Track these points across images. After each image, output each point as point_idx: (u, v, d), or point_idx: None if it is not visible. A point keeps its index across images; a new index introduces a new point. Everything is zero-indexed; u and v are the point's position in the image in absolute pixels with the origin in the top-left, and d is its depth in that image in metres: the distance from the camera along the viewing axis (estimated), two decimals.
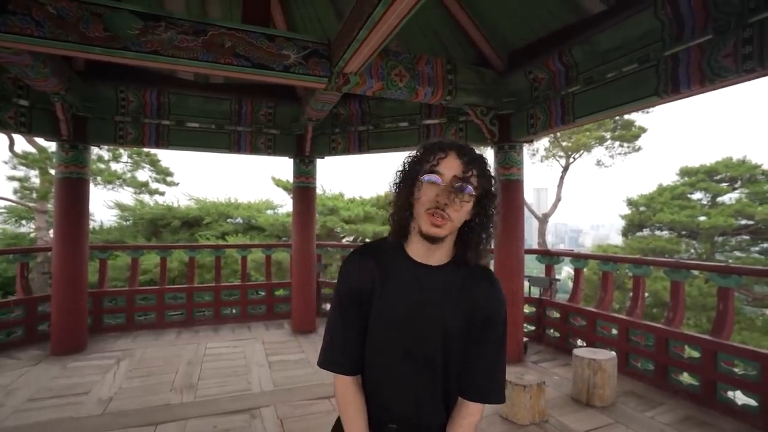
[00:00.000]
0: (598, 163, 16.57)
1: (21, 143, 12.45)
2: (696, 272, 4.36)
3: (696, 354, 3.66)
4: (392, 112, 5.59)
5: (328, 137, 5.91)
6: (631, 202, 14.82)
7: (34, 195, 12.29)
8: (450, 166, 0.99)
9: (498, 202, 1.08)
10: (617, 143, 15.57)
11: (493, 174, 1.07)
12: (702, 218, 12.48)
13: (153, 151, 13.11)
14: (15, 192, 12.57)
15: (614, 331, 4.38)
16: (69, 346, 4.74)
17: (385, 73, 3.94)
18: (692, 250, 12.83)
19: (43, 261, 9.61)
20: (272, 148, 5.82)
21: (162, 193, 13.76)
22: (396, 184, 1.07)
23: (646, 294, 10.05)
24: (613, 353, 3.70)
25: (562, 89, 3.95)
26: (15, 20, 2.96)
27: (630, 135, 14.83)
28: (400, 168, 1.07)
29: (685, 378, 3.75)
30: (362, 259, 1.10)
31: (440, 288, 1.05)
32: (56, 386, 3.82)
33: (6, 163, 12.46)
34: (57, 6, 3.02)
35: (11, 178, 12.42)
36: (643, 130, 14.91)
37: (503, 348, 1.09)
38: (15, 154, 12.26)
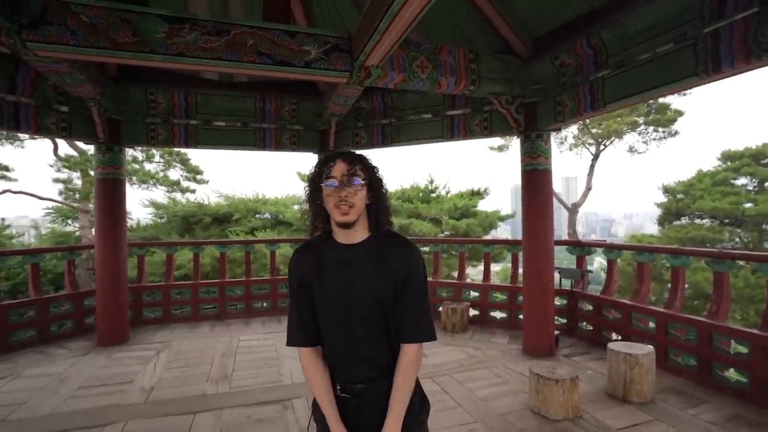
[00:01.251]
0: (631, 149, 15.90)
1: (63, 147, 13.14)
2: (742, 262, 4.12)
3: (744, 349, 3.47)
4: (415, 104, 5.54)
5: (352, 131, 5.92)
6: (667, 190, 14.15)
7: (77, 196, 12.98)
8: (339, 169, 1.28)
9: (384, 184, 1.38)
10: (651, 128, 14.86)
11: (374, 165, 1.37)
12: (748, 205, 11.77)
13: (183, 150, 13.57)
14: (60, 193, 13.33)
15: (651, 325, 4.21)
16: (113, 338, 5.01)
17: (406, 65, 3.89)
18: (737, 239, 12.14)
19: (87, 258, 10.18)
20: (296, 143, 5.89)
21: (193, 191, 14.23)
22: (307, 195, 1.37)
23: (686, 286, 9.60)
24: (651, 347, 3.55)
25: (590, 74, 3.79)
26: (52, 30, 3.10)
27: (665, 119, 14.12)
28: (307, 183, 1.37)
29: (732, 374, 3.56)
30: (303, 254, 1.39)
31: (365, 259, 1.31)
32: (103, 375, 4.05)
33: (51, 166, 13.21)
34: (89, 14, 3.14)
35: (56, 180, 13.16)
36: (679, 113, 14.17)
37: (425, 296, 1.35)
38: (59, 158, 12.97)
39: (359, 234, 1.34)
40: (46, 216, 14.74)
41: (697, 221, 13.02)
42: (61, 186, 13.16)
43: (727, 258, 3.81)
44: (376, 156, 1.53)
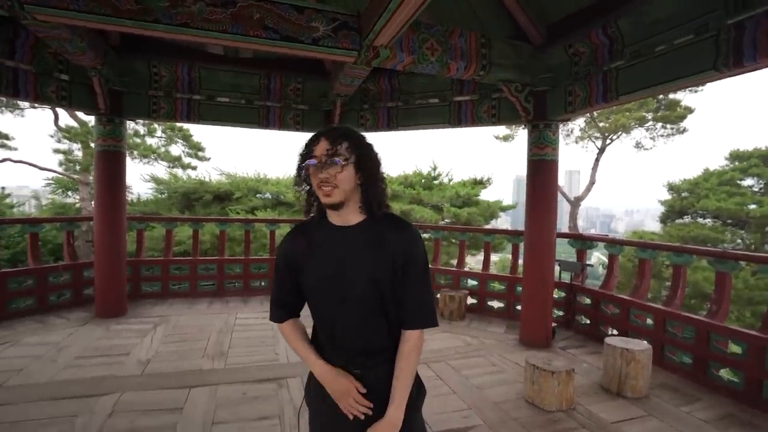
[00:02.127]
0: (638, 145, 15.72)
1: (64, 118, 13.01)
2: (743, 264, 4.09)
3: (738, 349, 3.47)
4: (423, 88, 5.43)
5: (357, 113, 5.83)
6: (672, 187, 14.05)
7: (77, 167, 12.90)
8: (321, 148, 1.21)
9: (378, 163, 1.29)
10: (660, 124, 14.66)
11: (367, 143, 1.28)
12: (752, 206, 11.69)
13: (185, 126, 13.43)
14: (60, 164, 13.24)
15: (649, 321, 4.21)
16: (111, 310, 5.02)
17: (416, 47, 3.79)
18: (739, 240, 12.11)
19: (87, 230, 10.18)
20: (300, 123, 5.80)
21: (194, 168, 14.17)
22: (296, 175, 1.30)
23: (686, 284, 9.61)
24: (647, 344, 3.55)
25: (605, 64, 3.69)
26: None
27: (675, 116, 13.93)
28: (298, 163, 1.29)
29: (726, 374, 3.57)
30: (293, 237, 1.34)
31: (360, 242, 1.26)
32: (101, 346, 4.07)
33: (51, 136, 13.10)
34: None
35: (56, 151, 13.06)
36: (689, 110, 13.96)
37: (426, 279, 1.29)
38: (59, 128, 12.85)
39: (353, 216, 1.28)
40: (47, 187, 14.69)
41: (700, 220, 12.96)
42: (61, 157, 13.08)
43: (731, 258, 3.78)
44: (379, 139, 1.36)
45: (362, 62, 3.75)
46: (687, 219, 13.35)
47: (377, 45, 3.57)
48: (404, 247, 1.25)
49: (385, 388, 1.28)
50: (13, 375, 3.37)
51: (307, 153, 1.24)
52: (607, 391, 3.44)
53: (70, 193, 14.14)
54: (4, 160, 13.43)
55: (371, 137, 1.34)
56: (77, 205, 13.19)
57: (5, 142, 13.21)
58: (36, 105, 11.31)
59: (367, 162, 1.25)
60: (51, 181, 14.37)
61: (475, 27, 4.47)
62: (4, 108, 12.43)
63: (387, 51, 3.67)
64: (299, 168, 1.27)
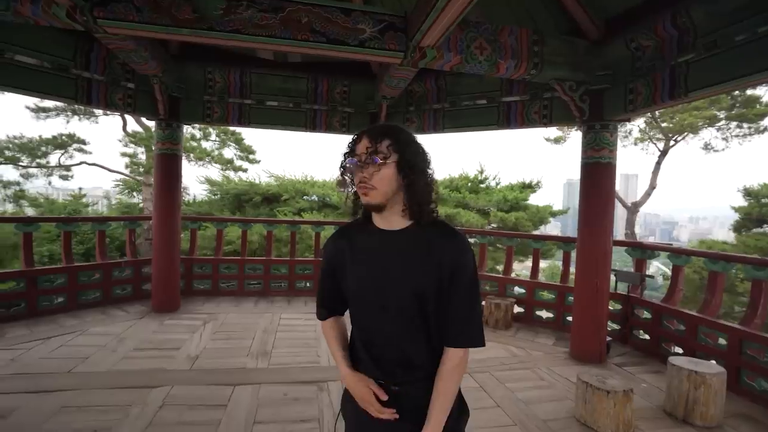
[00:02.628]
0: (707, 146, 14.42)
1: (132, 124, 14.08)
2: None
3: None
4: (470, 89, 5.29)
5: (403, 116, 5.78)
6: (749, 192, 12.72)
7: (141, 170, 13.90)
8: (361, 146, 1.14)
9: (427, 163, 1.20)
10: (734, 123, 13.35)
11: (415, 141, 1.20)
12: None
13: (237, 129, 14.06)
14: (126, 167, 14.35)
15: (722, 341, 3.79)
16: (165, 305, 5.32)
17: (464, 46, 3.68)
18: None
19: (148, 228, 10.91)
20: (347, 126, 5.84)
21: (245, 170, 14.79)
22: (339, 176, 1.23)
23: None
24: (721, 368, 3.18)
25: (672, 58, 3.38)
26: (120, 8, 3.23)
27: (753, 113, 12.61)
28: (341, 160, 1.22)
29: None
30: (336, 239, 1.31)
31: (403, 248, 1.18)
32: (155, 339, 4.31)
33: (120, 141, 14.22)
34: None
35: (123, 155, 14.17)
36: None
37: (475, 294, 1.18)
38: (127, 134, 13.93)
39: (397, 219, 1.20)
40: (115, 187, 15.98)
41: None
42: (127, 160, 14.16)
43: None
44: (425, 141, 1.30)
45: (408, 63, 3.71)
46: (767, 228, 12.03)
47: (424, 45, 3.51)
48: (452, 257, 1.14)
49: (424, 406, 1.18)
50: (80, 363, 3.63)
51: (349, 151, 1.19)
52: (671, 417, 3.12)
53: (135, 193, 15.28)
54: (80, 163, 14.76)
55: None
56: (140, 205, 14.21)
57: (82, 146, 14.52)
58: (107, 112, 12.35)
59: (411, 162, 1.15)
60: (119, 183, 15.60)
61: (527, 24, 4.27)
62: (82, 116, 13.68)
63: (434, 51, 3.60)
64: (341, 167, 1.21)
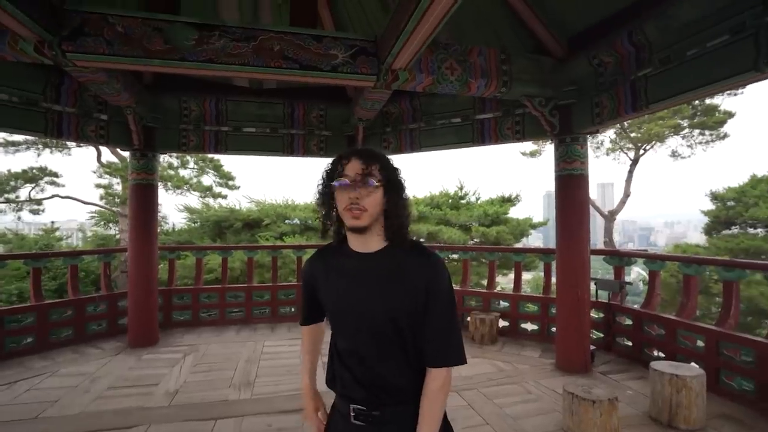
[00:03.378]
0: (674, 154, 15.06)
1: (106, 154, 13.83)
2: None
3: None
4: (444, 108, 5.42)
5: (380, 137, 5.86)
6: (716, 197, 13.26)
7: (117, 200, 13.60)
8: (353, 168, 1.15)
9: (405, 188, 1.23)
10: (697, 131, 14.01)
11: (395, 166, 1.23)
12: None
13: (216, 156, 13.96)
14: (101, 198, 14.02)
15: (700, 343, 3.87)
16: (143, 340, 5.12)
17: (435, 67, 3.79)
18: None
19: (125, 260, 10.60)
20: (324, 149, 5.88)
21: (225, 197, 14.62)
22: (319, 196, 1.24)
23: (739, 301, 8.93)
24: (701, 369, 3.24)
25: (632, 73, 3.56)
26: (90, 41, 3.22)
27: (713, 121, 13.28)
28: (320, 182, 1.25)
29: None
30: (313, 262, 1.34)
31: (379, 271, 1.19)
32: (131, 376, 4.13)
33: (94, 172, 13.93)
34: (124, 24, 3.24)
35: (98, 186, 13.86)
36: (729, 114, 13.29)
37: (453, 313, 1.19)
38: (101, 164, 13.67)
39: (374, 242, 1.21)
40: (90, 219, 15.54)
41: (750, 230, 12.10)
42: (102, 191, 13.85)
43: None
44: (403, 160, 1.30)
45: (382, 86, 3.78)
46: (735, 229, 12.50)
47: (396, 68, 3.59)
48: (428, 279, 1.16)
49: (409, 428, 1.16)
50: (48, 406, 3.44)
51: (335, 172, 1.19)
52: (657, 422, 3.14)
53: (111, 225, 14.88)
54: (53, 196, 14.35)
55: (396, 160, 1.29)
56: (117, 236, 13.83)
57: (54, 179, 14.15)
58: (81, 144, 12.13)
59: (394, 186, 1.20)
60: (94, 215, 15.19)
61: (494, 44, 4.44)
62: (54, 148, 13.38)
63: (406, 73, 3.69)
64: (325, 187, 1.22)
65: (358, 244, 1.22)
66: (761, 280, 9.09)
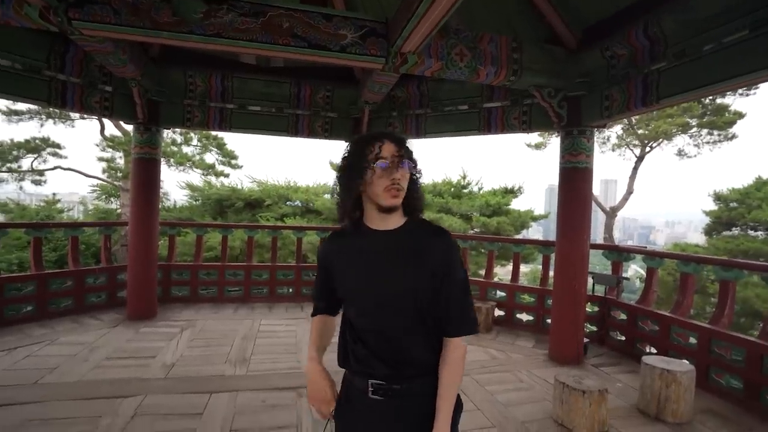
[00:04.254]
0: (680, 152, 14.92)
1: (110, 128, 13.76)
2: None
3: None
4: (451, 95, 5.36)
5: (385, 121, 5.81)
6: (719, 197, 13.21)
7: (119, 174, 13.57)
8: (389, 150, 1.20)
9: (418, 167, 1.29)
10: (705, 131, 13.86)
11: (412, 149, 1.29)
12: None
13: (219, 134, 13.87)
14: (103, 171, 13.99)
15: (692, 340, 3.90)
16: (141, 313, 5.18)
17: (444, 53, 3.74)
18: None
19: (126, 234, 10.64)
20: (329, 131, 5.84)
21: (227, 175, 14.55)
22: (343, 177, 1.26)
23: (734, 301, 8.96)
24: (691, 365, 3.28)
25: (645, 66, 3.50)
26: (97, 9, 3.17)
27: (722, 121, 13.12)
28: (344, 163, 1.27)
29: None
30: (331, 241, 1.36)
31: (400, 246, 1.24)
32: (129, 348, 4.19)
33: (97, 145, 13.87)
34: None
35: (100, 159, 13.81)
36: (739, 115, 13.13)
37: (467, 284, 1.28)
38: (104, 138, 13.59)
39: (395, 219, 1.27)
40: (92, 193, 15.54)
41: (751, 233, 12.09)
42: (104, 164, 13.80)
43: None
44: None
45: (390, 69, 3.74)
46: (736, 231, 12.49)
47: (405, 51, 3.55)
48: (443, 255, 1.23)
49: (428, 403, 1.21)
50: (47, 373, 3.50)
51: (365, 154, 1.21)
52: (645, 415, 3.19)
53: (113, 199, 14.89)
54: (55, 167, 14.32)
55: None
56: (118, 211, 13.84)
57: (57, 150, 14.10)
58: (85, 116, 12.05)
59: (417, 167, 1.29)
60: (96, 188, 15.18)
61: (505, 31, 4.37)
62: (57, 119, 13.29)
63: (415, 57, 3.65)
64: (354, 168, 1.22)
65: (380, 222, 1.26)
66: (758, 281, 9.12)
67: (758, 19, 2.63)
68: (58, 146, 13.99)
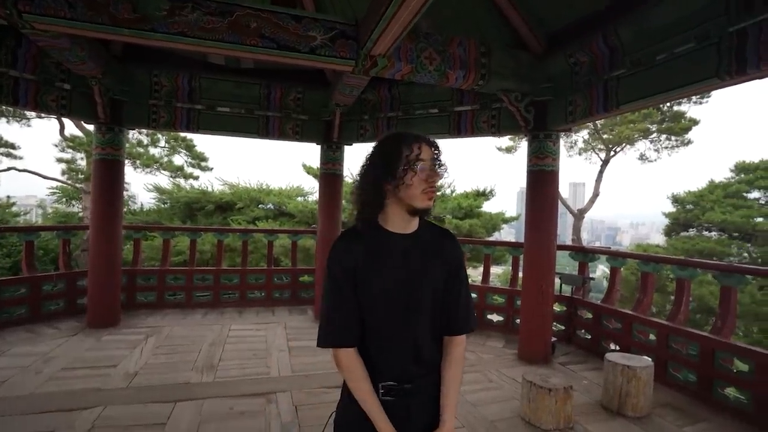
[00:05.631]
0: (642, 157, 15.59)
1: (70, 127, 13.14)
2: (750, 277, 3.97)
3: (745, 367, 3.33)
4: (422, 98, 5.41)
5: (357, 124, 5.81)
6: (677, 200, 13.91)
7: (81, 176, 12.98)
8: (427, 153, 1.21)
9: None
10: (664, 136, 14.58)
11: None
12: (759, 219, 11.52)
13: (188, 136, 13.50)
14: (63, 173, 13.34)
15: (652, 337, 4.08)
16: (103, 320, 4.95)
17: (414, 56, 3.77)
18: (745, 254, 11.90)
19: (87, 238, 10.17)
20: (300, 133, 5.78)
21: (196, 178, 14.19)
22: (373, 175, 1.22)
23: (690, 299, 9.42)
24: (650, 360, 3.43)
25: (605, 73, 3.64)
26: (49, 2, 3.02)
27: (679, 127, 13.83)
28: (375, 161, 1.23)
29: (733, 393, 3.42)
30: (349, 243, 1.25)
31: (421, 249, 1.26)
32: (89, 357, 3.99)
33: (56, 146, 13.21)
34: None
35: (59, 160, 13.16)
36: (694, 122, 13.87)
37: (468, 285, 1.35)
38: (64, 138, 12.97)
39: (415, 222, 1.28)
40: (51, 195, 14.79)
41: (706, 233, 12.78)
42: (64, 166, 13.17)
43: (735, 272, 3.67)
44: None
45: (360, 71, 3.73)
46: (692, 232, 13.18)
47: (375, 54, 3.55)
48: (455, 255, 1.30)
49: (433, 400, 1.26)
50: None
51: (401, 154, 1.19)
52: (607, 410, 3.31)
53: (74, 202, 14.21)
54: (8, 168, 13.56)
55: (370, 147, 1.31)
56: (80, 214, 13.23)
57: (11, 151, 13.35)
58: (42, 115, 11.46)
59: (447, 170, 1.31)
60: (56, 190, 14.46)
61: (475, 36, 4.45)
62: (10, 117, 12.58)
63: (385, 60, 3.65)
64: (398, 169, 1.18)
65: (401, 225, 1.26)
66: (711, 280, 9.65)
67: (703, 32, 2.78)
68: (12, 146, 13.27)
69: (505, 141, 17.10)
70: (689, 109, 13.78)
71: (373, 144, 1.29)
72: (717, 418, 3.24)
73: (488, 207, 13.69)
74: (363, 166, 1.26)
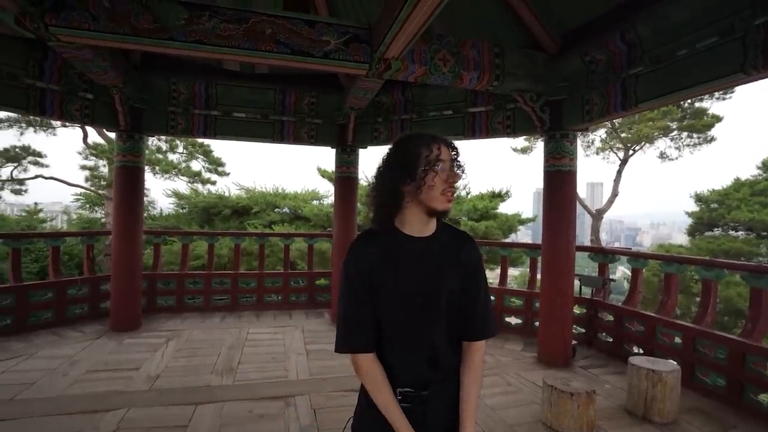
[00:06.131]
0: (662, 155, 15.22)
1: (93, 136, 13.55)
2: None
3: None
4: (436, 100, 5.40)
5: (371, 126, 5.82)
6: (700, 198, 13.51)
7: (103, 183, 13.35)
8: (446, 154, 1.20)
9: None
10: (685, 134, 14.19)
11: None
12: None
13: (206, 141, 13.75)
14: (86, 180, 13.75)
15: (677, 340, 3.96)
16: (125, 324, 5.07)
17: (428, 58, 3.76)
18: None
19: (110, 244, 10.45)
20: (314, 137, 5.83)
21: (214, 183, 14.44)
22: (391, 176, 1.20)
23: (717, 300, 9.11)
24: (676, 364, 3.32)
25: (623, 71, 3.57)
26: (75, 15, 3.12)
27: (701, 124, 13.45)
28: (393, 162, 1.21)
29: (766, 398, 3.29)
30: (365, 245, 1.23)
31: (437, 252, 1.23)
32: (112, 360, 4.09)
33: (80, 153, 13.64)
34: (111, 0, 3.14)
35: (83, 167, 13.58)
36: (717, 118, 13.47)
37: (488, 289, 1.32)
38: (87, 146, 13.38)
39: (432, 224, 1.26)
40: (76, 202, 15.25)
41: (732, 233, 12.38)
42: (87, 173, 13.58)
43: (766, 273, 3.53)
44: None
45: (374, 74, 3.74)
46: (717, 231, 12.78)
47: (388, 57, 3.56)
48: (473, 258, 1.27)
49: (451, 406, 1.24)
50: (25, 389, 3.39)
51: (419, 155, 1.17)
52: (632, 415, 3.22)
53: (97, 208, 14.63)
54: (36, 176, 14.05)
55: (385, 150, 1.29)
56: (102, 220, 13.60)
57: (38, 159, 13.83)
58: (67, 124, 11.85)
59: (464, 172, 1.29)
60: (80, 197, 14.91)
61: (487, 37, 4.42)
62: (37, 127, 13.05)
63: (398, 63, 3.66)
64: (418, 170, 1.16)
65: (420, 228, 1.23)
66: (739, 281, 9.33)
67: (726, 26, 2.70)
68: (40, 155, 13.76)
69: (520, 141, 16.91)
70: (711, 105, 13.40)
71: (388, 146, 1.27)
72: (747, 425, 3.12)
73: (504, 208, 13.56)
74: (379, 168, 1.24)
